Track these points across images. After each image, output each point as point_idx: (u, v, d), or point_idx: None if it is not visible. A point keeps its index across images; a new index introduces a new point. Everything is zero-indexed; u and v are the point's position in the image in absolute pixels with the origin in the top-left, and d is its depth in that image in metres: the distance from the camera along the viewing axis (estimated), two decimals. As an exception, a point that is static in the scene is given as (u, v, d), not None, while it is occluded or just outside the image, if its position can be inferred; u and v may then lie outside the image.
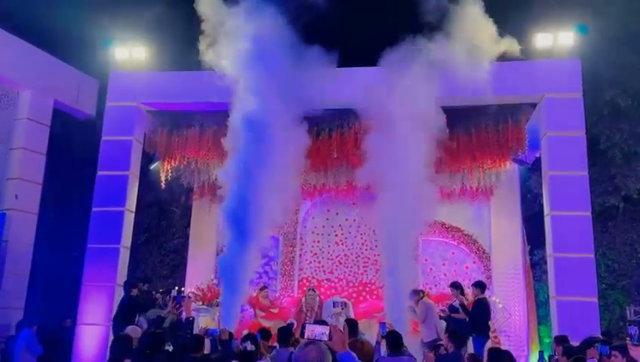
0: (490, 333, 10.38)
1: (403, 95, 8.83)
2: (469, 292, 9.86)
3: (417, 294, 9.85)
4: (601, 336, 7.77)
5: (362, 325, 10.19)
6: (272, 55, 8.86)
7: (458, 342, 6.16)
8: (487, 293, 11.24)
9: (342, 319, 9.55)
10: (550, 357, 8.26)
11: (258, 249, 9.04)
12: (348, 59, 9.53)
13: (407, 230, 8.94)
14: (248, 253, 8.68)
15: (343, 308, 10.07)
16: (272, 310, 10.96)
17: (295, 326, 10.16)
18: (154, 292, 10.63)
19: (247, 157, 8.65)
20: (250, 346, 6.09)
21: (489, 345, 9.75)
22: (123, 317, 8.81)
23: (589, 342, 6.86)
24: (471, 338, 8.88)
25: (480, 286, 9.45)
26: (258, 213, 8.48)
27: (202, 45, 9.28)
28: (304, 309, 10.69)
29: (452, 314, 9.46)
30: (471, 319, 9.07)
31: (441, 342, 7.28)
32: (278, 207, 8.74)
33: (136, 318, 8.79)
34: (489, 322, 9.35)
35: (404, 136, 8.76)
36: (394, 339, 5.85)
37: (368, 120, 9.33)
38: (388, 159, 8.80)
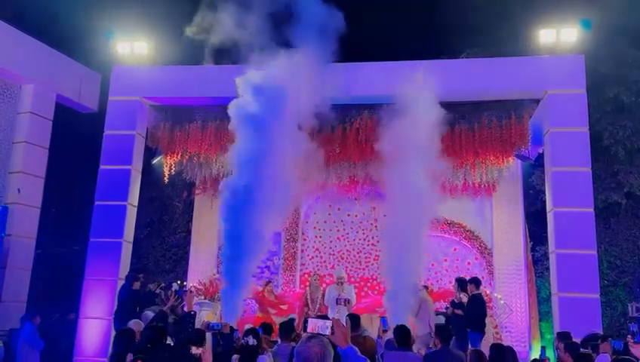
0: (491, 329, 10.41)
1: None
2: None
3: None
4: (601, 333, 7.75)
5: (364, 320, 10.24)
6: (274, 52, 8.85)
7: (445, 338, 6.15)
8: (489, 289, 11.30)
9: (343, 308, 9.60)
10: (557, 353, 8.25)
11: (261, 242, 8.97)
12: (350, 55, 9.50)
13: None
14: (250, 246, 8.62)
15: (345, 305, 10.08)
16: (281, 306, 10.88)
17: (297, 321, 10.19)
18: (151, 285, 10.62)
19: (250, 153, 8.60)
20: (252, 340, 6.09)
21: (491, 340, 9.78)
22: (125, 310, 8.81)
23: (591, 339, 6.85)
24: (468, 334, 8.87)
25: (475, 282, 9.44)
26: (261, 205, 8.43)
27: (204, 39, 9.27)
28: (308, 302, 10.67)
29: (455, 311, 9.45)
30: (466, 315, 9.07)
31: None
32: (282, 200, 8.71)
33: (137, 311, 8.79)
34: (485, 318, 9.33)
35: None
36: (402, 334, 5.84)
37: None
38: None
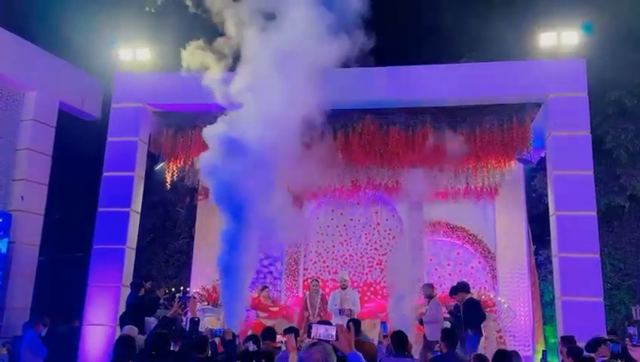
0: (495, 333, 10.39)
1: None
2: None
3: (432, 289, 9.78)
4: (606, 336, 7.74)
5: (367, 325, 10.23)
6: (276, 55, 8.83)
7: (452, 343, 6.15)
8: (492, 293, 11.29)
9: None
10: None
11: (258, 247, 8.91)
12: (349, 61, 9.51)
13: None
14: (248, 251, 8.54)
15: (349, 315, 10.05)
16: (271, 308, 10.92)
17: (297, 325, 10.19)
18: (159, 292, 10.65)
19: (248, 156, 8.55)
20: (252, 346, 6.09)
21: (494, 344, 9.76)
22: (131, 317, 8.82)
23: (595, 343, 6.85)
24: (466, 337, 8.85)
25: (465, 288, 9.43)
26: (258, 211, 8.37)
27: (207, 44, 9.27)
28: (308, 306, 10.65)
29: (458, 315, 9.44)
30: (464, 319, 9.07)
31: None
32: (283, 206, 8.68)
33: (145, 319, 8.80)
34: (483, 320, 9.31)
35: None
36: (399, 339, 5.83)
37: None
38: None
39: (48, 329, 10.15)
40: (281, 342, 6.70)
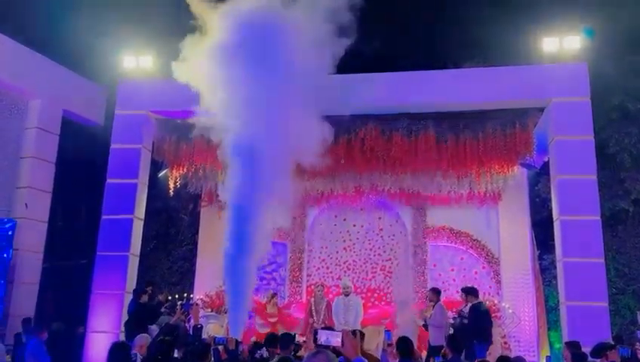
0: (499, 339, 10.33)
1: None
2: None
3: (437, 294, 9.73)
4: (611, 342, 7.70)
5: (371, 331, 10.19)
6: (278, 60, 8.85)
7: (457, 348, 6.12)
8: (497, 299, 11.24)
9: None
10: None
11: (263, 253, 8.90)
12: (352, 68, 9.54)
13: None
14: (252, 257, 8.52)
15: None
16: (270, 319, 10.78)
17: (302, 331, 10.16)
18: (160, 296, 10.64)
19: (251, 162, 8.55)
20: (265, 353, 6.09)
21: (499, 350, 9.71)
22: (134, 325, 8.83)
23: (600, 348, 6.81)
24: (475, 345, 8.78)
25: (472, 292, 9.38)
26: (262, 217, 8.37)
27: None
28: (313, 313, 10.60)
29: (463, 320, 9.39)
30: (470, 326, 9.01)
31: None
32: (283, 211, 8.67)
33: (148, 323, 8.79)
34: (490, 327, 9.25)
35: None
36: (405, 346, 5.79)
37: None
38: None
39: (52, 335, 10.17)
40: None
